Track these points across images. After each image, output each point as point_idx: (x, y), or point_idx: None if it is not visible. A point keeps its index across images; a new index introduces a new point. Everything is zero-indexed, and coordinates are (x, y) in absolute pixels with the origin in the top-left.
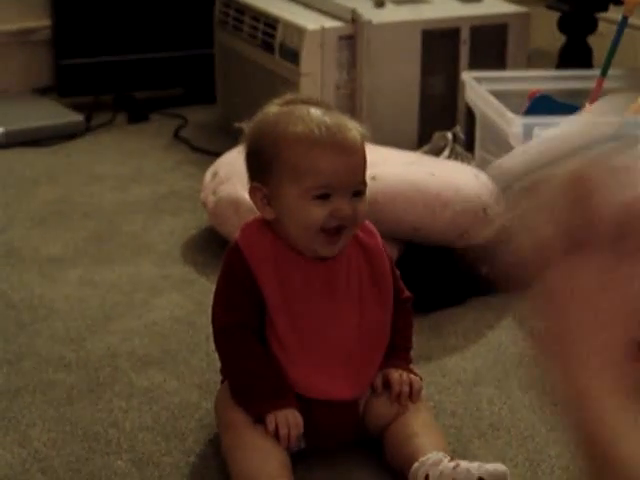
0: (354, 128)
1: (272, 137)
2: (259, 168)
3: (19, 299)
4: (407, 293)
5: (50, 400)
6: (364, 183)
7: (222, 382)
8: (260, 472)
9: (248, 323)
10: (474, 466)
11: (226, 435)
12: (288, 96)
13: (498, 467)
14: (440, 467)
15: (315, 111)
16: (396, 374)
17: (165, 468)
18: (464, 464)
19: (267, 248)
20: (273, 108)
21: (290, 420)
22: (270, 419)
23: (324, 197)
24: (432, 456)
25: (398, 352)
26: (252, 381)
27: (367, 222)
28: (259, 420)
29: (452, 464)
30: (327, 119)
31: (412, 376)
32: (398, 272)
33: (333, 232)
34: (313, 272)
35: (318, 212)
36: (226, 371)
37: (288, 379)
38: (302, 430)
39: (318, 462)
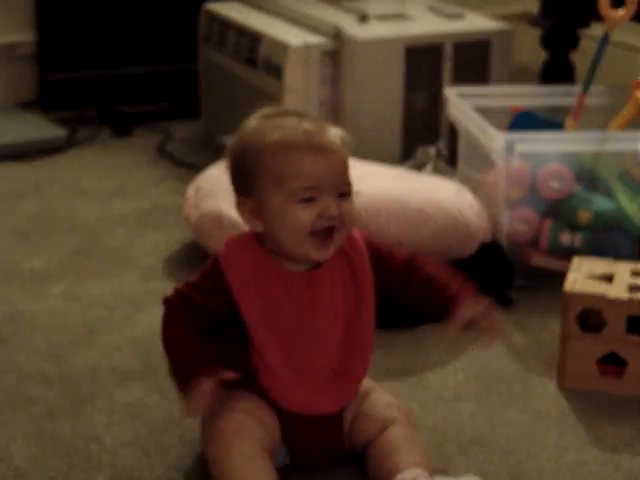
0: (332, 130)
1: (252, 149)
2: (243, 181)
3: (0, 313)
4: (404, 255)
5: (30, 415)
6: (348, 184)
7: None
8: None
9: (204, 309)
10: None
11: (213, 446)
12: (266, 109)
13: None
14: None
15: (292, 119)
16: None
17: None
18: (439, 479)
19: (248, 263)
20: (252, 122)
21: (203, 391)
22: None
23: (309, 200)
24: (408, 473)
25: (457, 294)
26: (185, 359)
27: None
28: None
29: None
30: (304, 124)
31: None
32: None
33: (323, 235)
34: (297, 286)
35: (305, 215)
36: (165, 340)
37: (271, 394)
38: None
39: (302, 478)
